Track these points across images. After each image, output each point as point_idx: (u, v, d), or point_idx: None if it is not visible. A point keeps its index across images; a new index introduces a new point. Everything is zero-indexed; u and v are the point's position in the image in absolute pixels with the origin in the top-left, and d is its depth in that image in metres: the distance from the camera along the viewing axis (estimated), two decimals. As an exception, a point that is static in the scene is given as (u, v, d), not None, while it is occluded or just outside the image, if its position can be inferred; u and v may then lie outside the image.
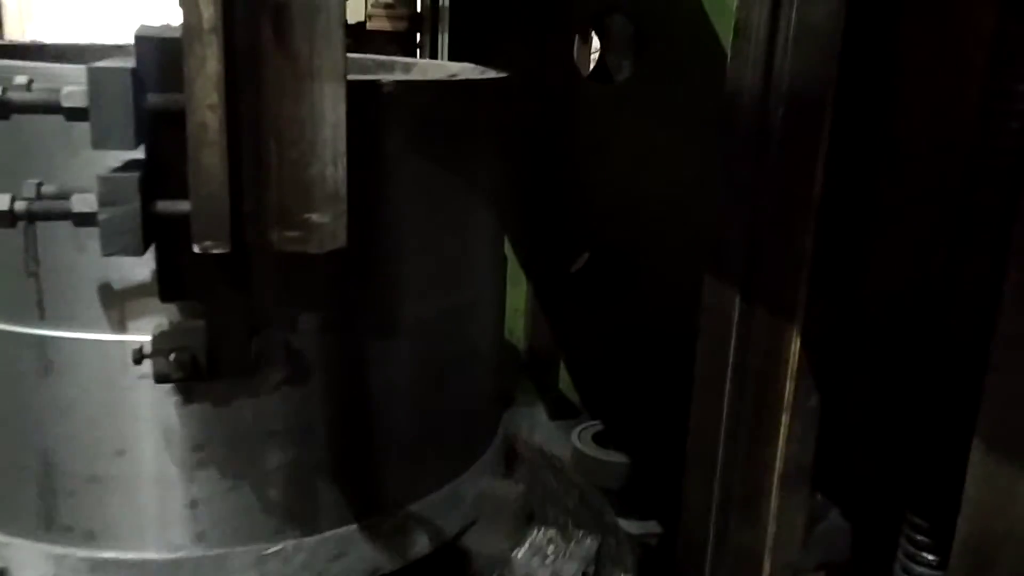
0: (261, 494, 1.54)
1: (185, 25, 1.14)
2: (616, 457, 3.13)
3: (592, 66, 3.51)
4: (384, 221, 1.52)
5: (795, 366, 1.33)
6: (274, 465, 1.53)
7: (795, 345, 1.32)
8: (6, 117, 1.17)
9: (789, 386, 1.33)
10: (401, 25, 3.87)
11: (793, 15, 1.44)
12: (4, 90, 1.16)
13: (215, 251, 1.21)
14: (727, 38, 2.48)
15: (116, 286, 1.39)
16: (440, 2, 3.62)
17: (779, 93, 1.38)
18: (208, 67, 1.16)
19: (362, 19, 4.00)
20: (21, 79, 1.21)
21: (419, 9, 3.88)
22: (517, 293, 3.39)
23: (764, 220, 1.39)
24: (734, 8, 1.58)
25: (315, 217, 1.24)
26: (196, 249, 1.20)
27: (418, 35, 3.94)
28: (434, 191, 1.62)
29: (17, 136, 1.34)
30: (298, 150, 1.23)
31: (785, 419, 1.34)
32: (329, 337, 1.53)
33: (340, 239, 1.26)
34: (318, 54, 1.21)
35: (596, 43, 3.52)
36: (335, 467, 1.57)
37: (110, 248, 1.19)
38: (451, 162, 1.62)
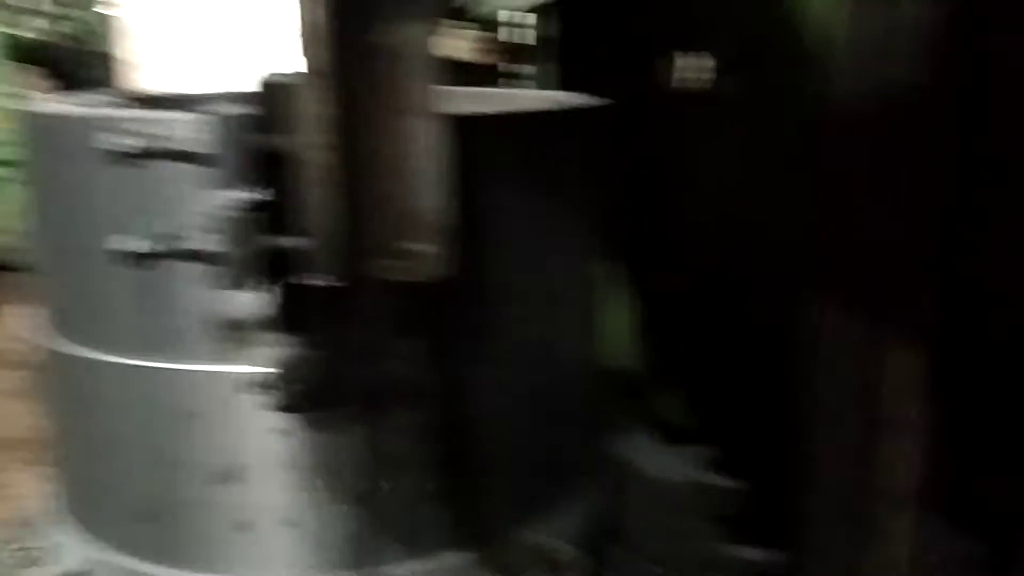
0: (371, 520, 1.58)
1: (299, 71, 1.21)
2: (727, 483, 3.06)
3: (695, 86, 3.47)
4: (487, 250, 1.55)
5: (909, 384, 1.29)
6: (385, 491, 1.57)
7: (907, 363, 1.29)
8: (132, 163, 1.26)
9: (904, 405, 1.30)
10: (506, 58, 3.93)
11: (895, 26, 1.42)
12: (131, 138, 1.24)
13: (329, 283, 1.27)
14: (827, 52, 2.44)
15: (237, 320, 1.47)
16: (545, 33, 3.67)
17: (882, 105, 1.36)
18: (319, 109, 1.22)
19: (467, 54, 4.09)
20: (147, 127, 1.30)
21: (516, 41, 3.94)
22: (619, 316, 3.37)
23: (870, 236, 1.36)
24: (839, 24, 1.56)
25: (418, 247, 1.29)
26: (311, 282, 1.26)
27: (515, 66, 4.00)
28: (536, 219, 1.65)
29: (146, 180, 1.43)
30: (403, 184, 1.28)
31: (902, 440, 1.30)
32: (435, 365, 1.57)
33: (445, 268, 1.30)
34: (420, 92, 1.26)
35: (699, 63, 3.49)
36: (442, 492, 1.60)
37: (231, 284, 1.27)
38: (552, 190, 1.65)
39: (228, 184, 1.24)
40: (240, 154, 1.23)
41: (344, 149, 1.23)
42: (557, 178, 1.70)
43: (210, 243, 1.28)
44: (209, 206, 1.28)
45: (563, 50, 3.44)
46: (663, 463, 3.22)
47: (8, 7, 6.90)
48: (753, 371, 3.13)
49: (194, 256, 1.30)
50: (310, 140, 1.22)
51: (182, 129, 1.27)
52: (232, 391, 1.48)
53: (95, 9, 7.48)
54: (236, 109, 1.24)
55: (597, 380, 2.02)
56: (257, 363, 1.46)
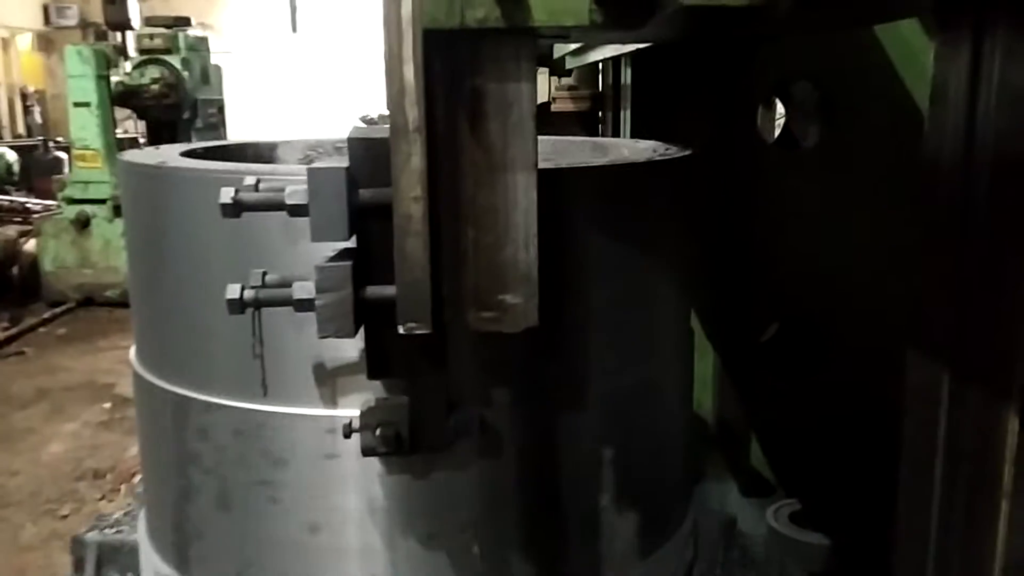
0: (456, 564, 1.59)
1: (392, 126, 1.25)
2: (814, 538, 2.97)
3: (777, 134, 3.46)
4: (574, 300, 1.56)
5: (1015, 447, 1.24)
6: (469, 536, 1.58)
7: (1014, 424, 1.24)
8: (238, 215, 1.31)
9: (1008, 470, 1.24)
10: (584, 105, 3.98)
11: (995, 77, 1.38)
12: (236, 191, 1.29)
13: (417, 332, 1.29)
14: (922, 100, 2.40)
15: (329, 365, 1.51)
16: (622, 81, 3.71)
17: (984, 160, 1.32)
18: (412, 163, 1.25)
19: (546, 101, 4.15)
20: (250, 180, 1.35)
21: (600, 88, 3.99)
22: (704, 365, 3.33)
23: (974, 291, 1.32)
24: (929, 68, 1.53)
25: (509, 298, 1.30)
26: (400, 330, 1.29)
27: (599, 113, 4.04)
28: (622, 269, 1.65)
29: (245, 230, 1.49)
30: (493, 235, 1.30)
31: (1005, 507, 1.24)
32: (521, 412, 1.58)
33: (532, 319, 1.31)
34: (511, 145, 1.28)
35: (781, 110, 3.48)
36: (527, 539, 1.60)
37: (325, 331, 1.30)
38: (638, 240, 1.65)
39: (325, 236, 1.28)
40: (336, 208, 1.27)
41: (432, 202, 1.26)
42: (650, 227, 1.70)
43: (308, 292, 1.31)
44: (308, 256, 1.32)
45: (637, 97, 3.46)
46: (751, 515, 3.16)
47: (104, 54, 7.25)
48: (843, 423, 3.05)
49: (295, 304, 1.33)
50: (402, 193, 1.25)
51: (284, 182, 1.31)
52: (323, 434, 1.52)
53: (188, 57, 7.85)
54: (332, 163, 1.28)
55: (689, 430, 2.00)
56: (348, 407, 1.50)
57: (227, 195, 1.29)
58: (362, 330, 1.37)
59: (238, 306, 1.32)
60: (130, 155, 1.81)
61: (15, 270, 7.18)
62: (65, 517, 3.91)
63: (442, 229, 1.29)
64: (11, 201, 8.90)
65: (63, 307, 7.09)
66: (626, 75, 3.69)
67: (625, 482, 1.74)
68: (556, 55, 3.89)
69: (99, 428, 4.82)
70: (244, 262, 1.46)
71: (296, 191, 1.29)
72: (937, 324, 1.38)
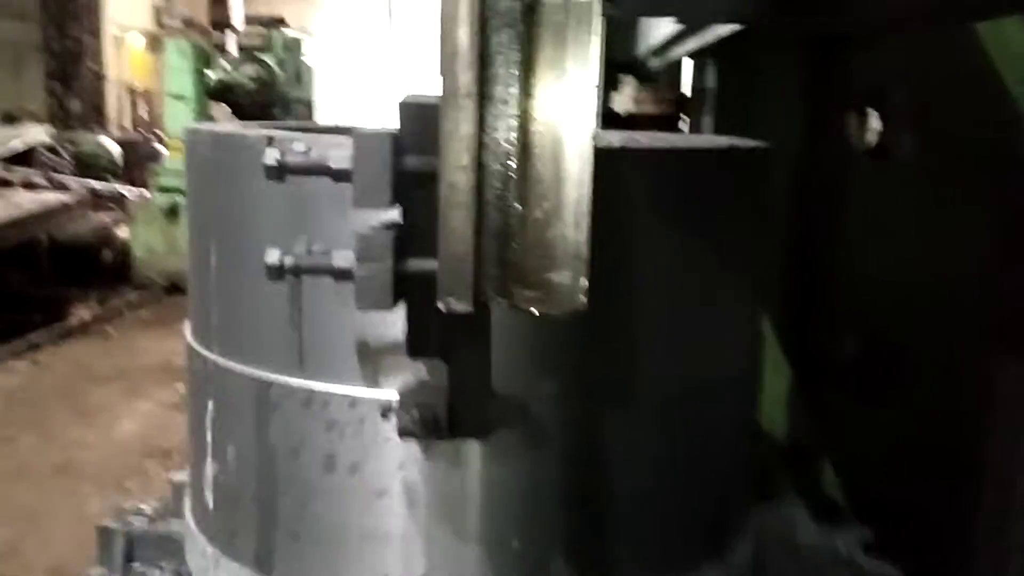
0: (492, 557, 1.52)
1: (444, 91, 1.19)
2: (888, 570, 2.81)
3: (868, 141, 3.30)
4: (628, 289, 1.48)
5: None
6: (506, 529, 1.51)
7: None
8: (283, 179, 1.27)
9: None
10: (666, 108, 3.89)
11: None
12: (283, 154, 1.26)
13: (457, 309, 1.23)
14: (1024, 107, 2.24)
15: (369, 342, 1.46)
16: (705, 84, 3.61)
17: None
18: (461, 130, 1.20)
19: (630, 106, 4.07)
20: (299, 146, 1.32)
21: (682, 91, 3.89)
22: (778, 382, 3.19)
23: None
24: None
25: (555, 277, 1.24)
26: (440, 306, 1.23)
27: (682, 117, 3.94)
28: (683, 261, 1.56)
29: (295, 197, 1.46)
30: (541, 210, 1.23)
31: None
32: (567, 404, 1.50)
33: (579, 301, 1.24)
34: (568, 114, 1.22)
35: (873, 117, 3.32)
36: (567, 539, 1.52)
37: (364, 302, 1.25)
38: (701, 231, 1.56)
39: (368, 203, 1.24)
40: (380, 174, 1.22)
41: (479, 172, 1.20)
42: (715, 220, 1.61)
43: (349, 261, 1.27)
44: (351, 225, 1.28)
45: (721, 101, 3.35)
46: (817, 539, 3.01)
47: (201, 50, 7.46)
48: (921, 448, 2.88)
49: (335, 273, 1.29)
50: (450, 161, 1.20)
51: (337, 149, 1.27)
52: (362, 413, 1.47)
53: (283, 57, 8.03)
54: (379, 129, 1.24)
55: (754, 444, 1.90)
56: (387, 387, 1.45)
57: (272, 156, 1.26)
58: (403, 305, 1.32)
59: (277, 272, 1.29)
60: (196, 124, 1.81)
61: (108, 254, 7.44)
62: (130, 491, 3.98)
63: (489, 202, 1.23)
64: (108, 189, 9.24)
65: (148, 291, 7.30)
66: (709, 77, 3.59)
67: (676, 492, 1.65)
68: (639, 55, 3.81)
69: (171, 409, 4.92)
70: (292, 229, 1.43)
71: (341, 155, 1.25)
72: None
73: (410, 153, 1.26)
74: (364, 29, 19.83)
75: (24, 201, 6.42)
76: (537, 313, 1.24)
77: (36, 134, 9.23)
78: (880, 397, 3.08)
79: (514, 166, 1.23)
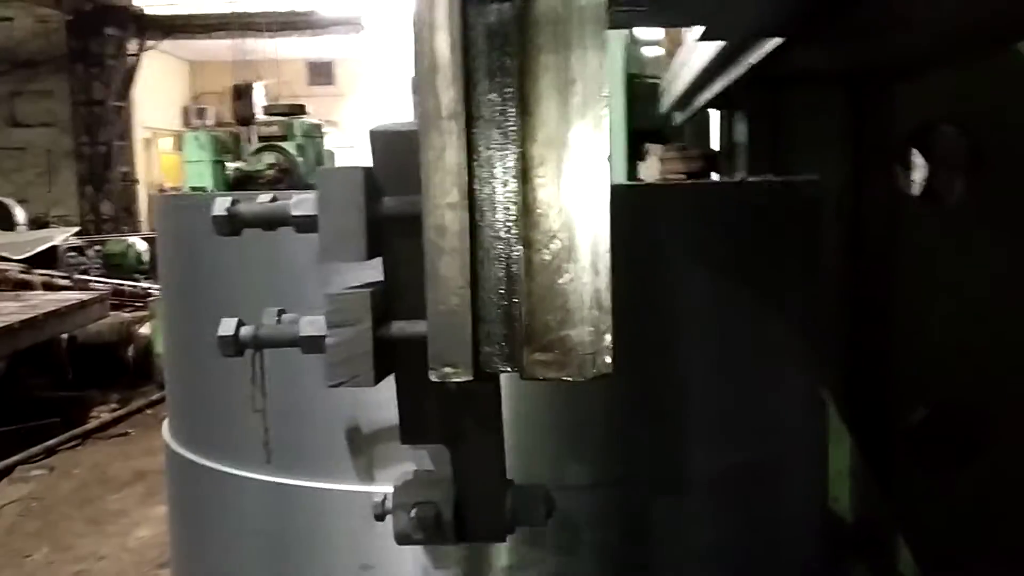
0: None
1: (422, 113, 0.97)
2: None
3: (918, 187, 3.05)
4: (664, 346, 1.22)
5: None
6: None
7: None
8: (237, 232, 1.05)
9: None
10: (695, 165, 3.67)
11: None
12: (233, 202, 1.04)
13: (455, 380, 0.99)
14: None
15: (353, 427, 1.21)
16: (735, 138, 3.41)
17: None
18: (447, 159, 0.97)
19: (656, 173, 3.87)
20: (263, 197, 1.10)
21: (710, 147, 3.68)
22: (840, 453, 2.88)
23: None
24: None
25: (573, 335, 0.99)
26: (432, 377, 0.99)
27: (713, 176, 3.72)
28: (725, 313, 1.31)
29: (276, 265, 1.24)
30: (550, 251, 0.99)
31: None
32: (601, 493, 1.23)
33: (604, 364, 0.99)
34: (575, 135, 0.99)
35: (921, 161, 3.07)
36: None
37: (337, 376, 1.01)
38: (747, 276, 1.30)
39: (338, 256, 1.01)
40: (351, 220, 0.99)
41: (472, 210, 0.97)
42: (755, 263, 1.36)
43: (318, 328, 1.03)
44: (321, 284, 1.05)
45: (754, 152, 3.13)
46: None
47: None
48: (1004, 524, 2.56)
49: (302, 343, 1.05)
50: (434, 198, 0.97)
51: (300, 198, 1.05)
52: (351, 514, 1.21)
53: (302, 143, 8.00)
54: (347, 167, 1.02)
55: (823, 523, 1.62)
56: (380, 482, 1.20)
57: (222, 207, 1.04)
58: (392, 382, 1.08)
59: (231, 345, 1.05)
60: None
61: (130, 352, 7.30)
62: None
63: (486, 244, 1.00)
64: (132, 286, 9.19)
65: (173, 389, 7.11)
66: (739, 130, 3.39)
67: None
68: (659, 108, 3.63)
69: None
70: (270, 295, 1.20)
71: (303, 200, 1.03)
72: None
73: (387, 193, 1.03)
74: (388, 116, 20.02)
75: (41, 302, 6.33)
76: (554, 381, 1.00)
77: (60, 236, 9.24)
78: (956, 462, 2.77)
79: (514, 199, 0.99)
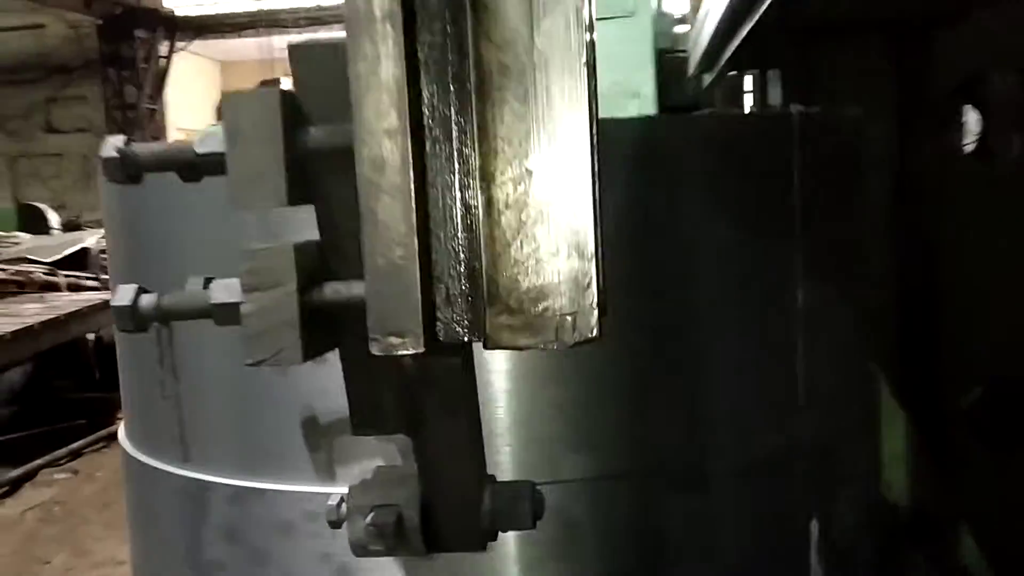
0: None
1: (349, 16, 0.77)
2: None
3: (970, 144, 2.80)
4: (672, 309, 1.00)
5: None
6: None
7: None
8: (135, 180, 0.85)
9: None
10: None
11: None
12: (127, 143, 0.84)
13: (402, 352, 0.78)
14: None
15: (304, 415, 1.01)
16: (768, 101, 3.18)
17: None
18: (382, 73, 0.77)
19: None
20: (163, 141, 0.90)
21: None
22: (893, 435, 2.65)
23: None
24: None
25: (548, 296, 0.77)
26: (374, 350, 0.78)
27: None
28: (745, 270, 1.09)
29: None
30: (519, 191, 0.78)
31: None
32: (604, 489, 1.02)
33: (588, 326, 0.77)
34: (545, 38, 0.77)
35: (973, 115, 2.82)
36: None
37: (257, 353, 0.81)
38: (767, 228, 1.08)
39: (253, 202, 0.81)
40: (268, 155, 0.79)
41: (416, 137, 0.76)
42: (773, 197, 1.14)
43: (233, 293, 0.83)
44: (237, 241, 0.85)
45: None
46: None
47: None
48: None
49: (214, 312, 0.85)
50: (368, 123, 0.77)
51: (206, 133, 0.85)
52: (293, 518, 1.01)
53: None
54: (262, 90, 0.81)
55: (877, 511, 1.40)
56: (327, 481, 1.00)
57: (111, 147, 0.84)
58: (331, 357, 0.88)
59: (129, 318, 0.85)
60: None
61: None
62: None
63: (436, 182, 0.79)
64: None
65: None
66: (773, 92, 3.16)
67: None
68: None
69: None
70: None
71: (210, 135, 0.83)
72: None
73: (314, 121, 0.82)
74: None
75: (64, 303, 6.26)
76: (525, 349, 0.79)
77: (92, 238, 9.23)
78: (1016, 443, 2.54)
79: (471, 122, 0.78)
